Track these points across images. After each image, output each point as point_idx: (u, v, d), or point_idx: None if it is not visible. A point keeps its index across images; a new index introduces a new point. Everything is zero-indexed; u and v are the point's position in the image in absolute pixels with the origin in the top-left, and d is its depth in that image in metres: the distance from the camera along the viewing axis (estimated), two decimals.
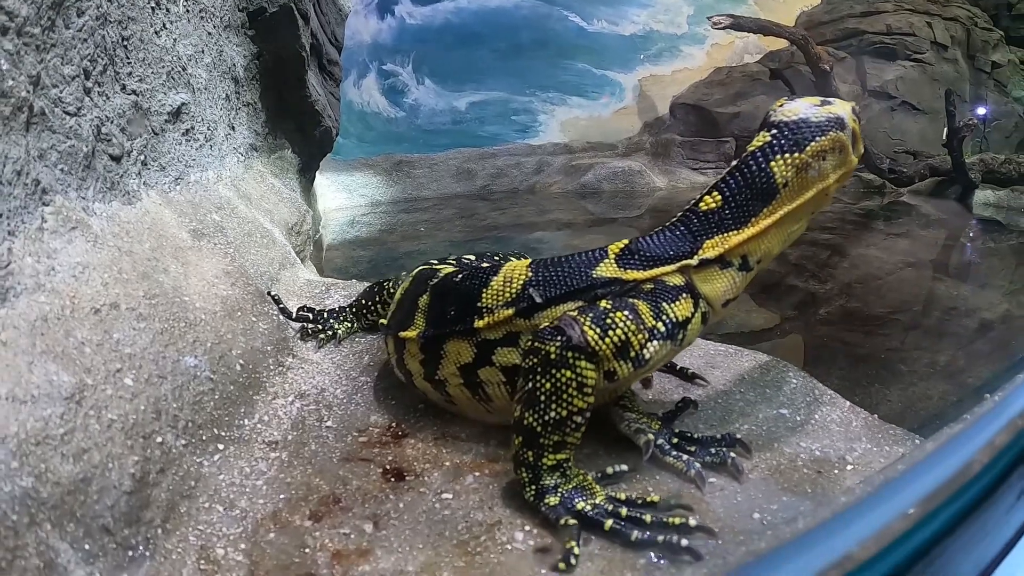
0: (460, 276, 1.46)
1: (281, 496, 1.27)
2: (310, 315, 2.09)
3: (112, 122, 1.68)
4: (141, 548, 1.01)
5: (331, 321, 2.07)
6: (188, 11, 2.36)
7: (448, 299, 1.44)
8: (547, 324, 1.21)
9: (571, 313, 1.22)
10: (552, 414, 1.17)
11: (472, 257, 2.04)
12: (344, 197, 5.53)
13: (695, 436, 1.39)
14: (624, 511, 1.17)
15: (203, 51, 2.49)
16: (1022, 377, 0.90)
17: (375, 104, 6.64)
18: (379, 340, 2.04)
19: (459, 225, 5.37)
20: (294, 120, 3.75)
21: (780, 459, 1.38)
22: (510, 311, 1.33)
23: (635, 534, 1.12)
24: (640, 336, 1.21)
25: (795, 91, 7.34)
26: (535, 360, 1.18)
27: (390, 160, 6.15)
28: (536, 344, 1.19)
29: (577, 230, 5.52)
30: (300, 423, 1.54)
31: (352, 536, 1.18)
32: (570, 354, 1.16)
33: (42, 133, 1.32)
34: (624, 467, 1.31)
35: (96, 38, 1.59)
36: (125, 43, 1.80)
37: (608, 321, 1.19)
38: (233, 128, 2.96)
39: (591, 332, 1.18)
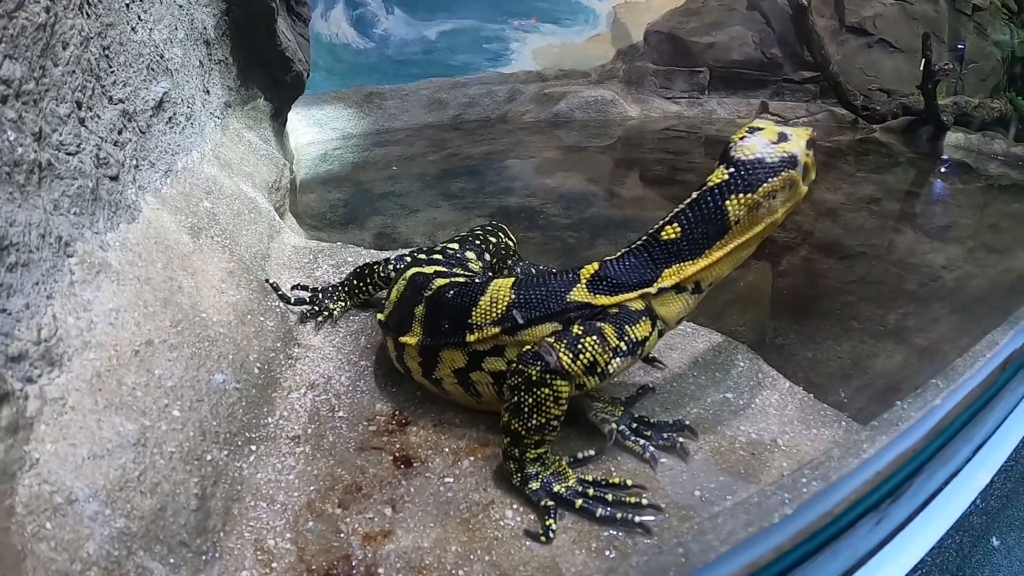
0: (451, 292, 1.65)
1: (311, 488, 1.53)
2: (306, 296, 2.27)
3: (106, 141, 1.74)
4: (211, 552, 1.27)
5: (326, 301, 2.26)
6: None
7: (442, 313, 1.64)
8: (528, 348, 1.44)
9: (548, 339, 1.44)
10: (534, 421, 1.43)
11: (455, 246, 2.22)
12: (315, 131, 5.45)
13: (651, 421, 1.68)
14: (591, 491, 1.46)
15: (176, 28, 2.44)
16: (899, 427, 1.17)
17: (343, 36, 6.35)
18: (371, 319, 2.25)
19: (432, 160, 5.36)
20: (265, 68, 3.67)
21: (722, 441, 1.68)
22: (497, 329, 1.55)
23: (599, 511, 1.42)
24: (606, 356, 1.45)
25: (772, 24, 7.17)
26: (519, 379, 1.42)
27: (360, 92, 6.00)
28: (520, 367, 1.42)
29: (550, 162, 5.57)
30: (315, 415, 1.77)
31: (376, 520, 1.46)
32: (548, 376, 1.40)
33: (52, 184, 1.41)
34: (591, 452, 1.60)
35: (82, 64, 1.62)
36: (107, 52, 1.81)
37: (579, 346, 1.42)
38: (208, 92, 2.93)
39: (565, 357, 1.41)
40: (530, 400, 1.41)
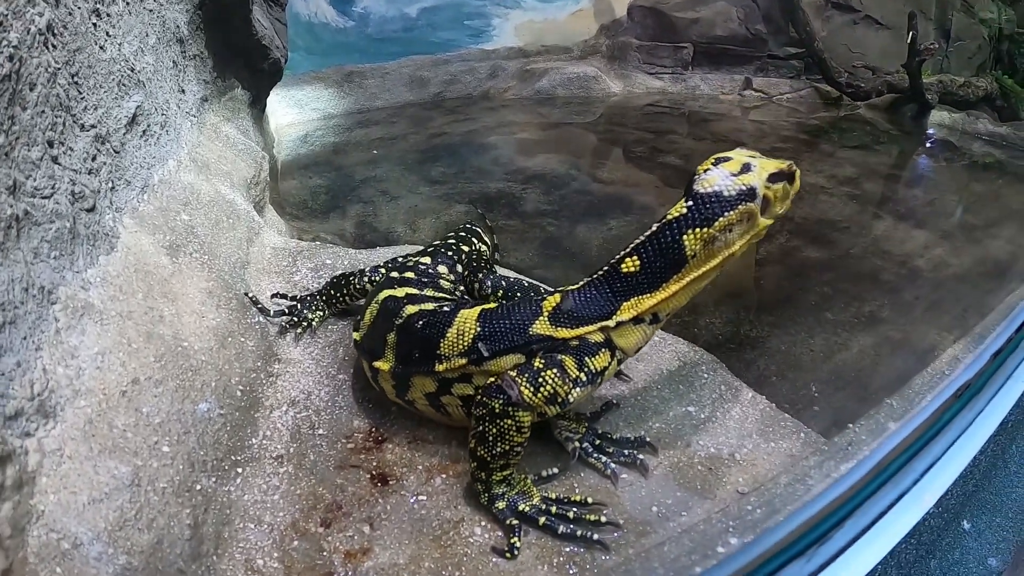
0: (421, 323, 1.74)
1: (295, 507, 1.65)
2: (285, 308, 2.34)
3: (80, 172, 1.75)
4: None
5: (305, 312, 2.33)
6: (128, 2, 2.26)
7: (412, 342, 1.73)
8: (492, 380, 1.54)
9: (510, 373, 1.54)
10: (498, 449, 1.54)
11: (427, 260, 2.29)
12: (296, 112, 5.40)
13: (613, 437, 1.80)
14: (554, 509, 1.59)
15: (147, 34, 2.41)
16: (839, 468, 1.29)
17: (323, 15, 6.19)
18: (349, 328, 2.33)
19: (413, 141, 5.34)
20: (242, 58, 3.62)
21: (681, 456, 1.80)
22: (463, 360, 1.64)
23: (561, 529, 1.55)
24: (566, 387, 1.55)
25: (757, 0, 7.08)
26: (483, 411, 1.52)
27: (341, 72, 5.90)
28: (484, 399, 1.52)
29: (532, 142, 5.55)
30: (297, 433, 1.88)
31: (356, 538, 1.59)
32: (510, 408, 1.51)
33: (30, 232, 1.44)
34: (555, 470, 1.73)
35: (51, 100, 1.63)
36: (75, 80, 1.81)
37: (540, 380, 1.52)
38: (183, 91, 2.91)
39: (526, 391, 1.51)
40: (494, 430, 1.52)
